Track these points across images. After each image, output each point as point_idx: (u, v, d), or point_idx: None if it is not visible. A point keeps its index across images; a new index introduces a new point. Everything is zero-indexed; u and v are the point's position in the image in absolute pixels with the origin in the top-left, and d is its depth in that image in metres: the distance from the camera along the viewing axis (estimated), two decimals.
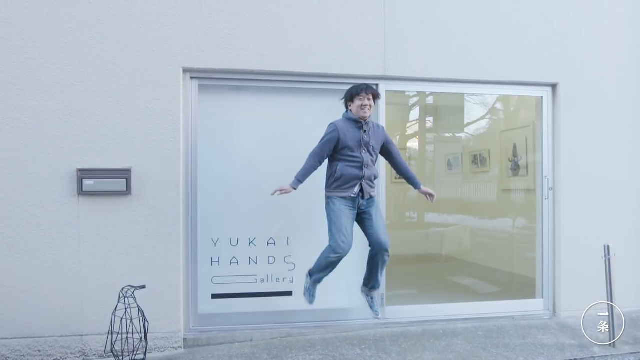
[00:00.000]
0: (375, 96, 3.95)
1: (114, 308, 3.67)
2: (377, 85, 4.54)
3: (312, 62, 4.35)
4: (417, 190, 4.20)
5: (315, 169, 3.90)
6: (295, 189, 3.82)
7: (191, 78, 4.25)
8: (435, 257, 7.04)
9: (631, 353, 4.01)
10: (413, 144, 7.39)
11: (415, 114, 7.15)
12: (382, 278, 4.14)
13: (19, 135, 3.87)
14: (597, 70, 4.92)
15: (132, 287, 3.70)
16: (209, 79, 4.31)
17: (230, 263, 4.43)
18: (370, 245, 3.96)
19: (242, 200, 4.47)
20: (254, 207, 4.46)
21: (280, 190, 3.82)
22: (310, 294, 3.99)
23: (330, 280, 3.93)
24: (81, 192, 3.92)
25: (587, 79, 4.89)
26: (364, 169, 3.88)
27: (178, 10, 4.11)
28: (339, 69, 4.40)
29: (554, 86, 4.91)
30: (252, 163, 4.49)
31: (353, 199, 3.86)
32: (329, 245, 3.81)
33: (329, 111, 4.58)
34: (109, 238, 3.98)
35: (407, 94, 6.23)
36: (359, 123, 3.89)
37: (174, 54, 4.09)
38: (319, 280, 3.95)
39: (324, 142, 3.87)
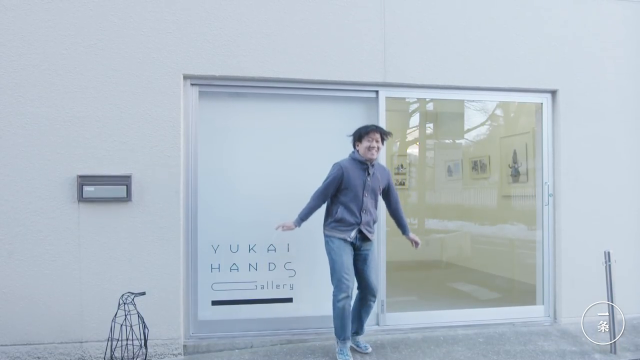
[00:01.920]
0: (384, 137, 3.93)
1: (114, 314, 3.66)
2: (377, 92, 4.56)
3: (312, 68, 4.36)
4: (404, 236, 4.20)
5: (319, 207, 3.94)
6: (298, 226, 3.88)
7: (191, 84, 4.26)
8: (436, 264, 7.03)
9: None
10: (413, 150, 7.40)
11: (415, 120, 7.16)
12: (366, 323, 4.17)
13: (20, 142, 3.88)
14: (596, 77, 4.93)
15: (132, 293, 3.69)
16: (210, 86, 4.32)
17: (230, 269, 4.43)
18: (358, 288, 3.98)
19: (242, 207, 4.47)
20: (254, 213, 4.46)
21: (283, 226, 3.88)
22: (345, 356, 3.86)
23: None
24: (81, 198, 3.92)
25: (587, 86, 4.91)
26: (363, 215, 3.89)
27: (178, 17, 4.13)
28: (339, 75, 4.41)
29: (553, 92, 4.92)
30: (253, 169, 4.49)
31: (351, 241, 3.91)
32: (334, 288, 3.82)
33: (329, 118, 4.61)
34: (109, 244, 3.98)
35: (407, 100, 6.24)
36: (364, 165, 3.88)
37: (175, 60, 4.11)
38: (347, 338, 3.91)
39: (327, 183, 3.86)
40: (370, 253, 4.00)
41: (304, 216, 3.88)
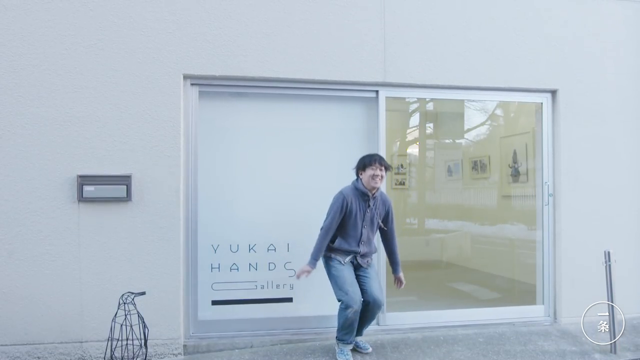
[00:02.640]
0: (387, 168, 3.94)
1: (114, 314, 3.66)
2: (377, 91, 4.56)
3: (312, 68, 4.36)
4: (393, 275, 4.21)
5: (328, 242, 3.91)
6: (314, 267, 3.85)
7: (192, 84, 4.26)
8: (436, 264, 7.02)
9: None
10: (413, 150, 7.39)
11: (415, 120, 7.15)
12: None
13: (20, 142, 3.88)
14: (596, 77, 4.93)
15: (132, 293, 3.69)
16: (210, 86, 4.32)
17: (230, 269, 4.43)
18: (364, 301, 3.96)
19: (242, 206, 4.47)
20: (254, 213, 4.47)
21: (304, 272, 3.83)
22: (345, 356, 3.89)
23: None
24: (81, 198, 3.92)
25: (587, 86, 4.91)
26: (361, 246, 3.91)
27: (179, 17, 4.12)
28: (339, 75, 4.41)
29: (553, 92, 4.92)
30: (253, 169, 4.49)
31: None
32: (341, 303, 3.83)
33: (329, 117, 4.61)
34: (109, 244, 3.98)
35: (407, 100, 6.24)
36: (366, 196, 3.88)
37: (175, 60, 4.11)
38: (351, 342, 3.94)
39: (332, 215, 3.85)
40: (370, 267, 4.02)
41: (317, 256, 3.86)
